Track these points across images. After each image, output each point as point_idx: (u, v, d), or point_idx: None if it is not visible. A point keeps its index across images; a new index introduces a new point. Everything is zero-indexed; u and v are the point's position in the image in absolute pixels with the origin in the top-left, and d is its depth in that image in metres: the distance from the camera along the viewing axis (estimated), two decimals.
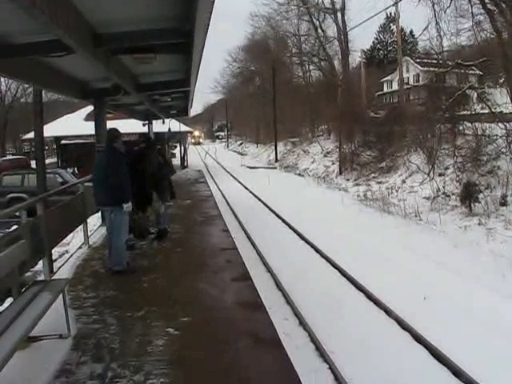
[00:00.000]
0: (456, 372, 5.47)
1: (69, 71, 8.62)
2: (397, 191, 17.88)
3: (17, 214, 6.57)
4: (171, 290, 6.03)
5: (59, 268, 7.24)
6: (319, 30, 38.14)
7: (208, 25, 5.38)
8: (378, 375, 5.47)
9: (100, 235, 9.35)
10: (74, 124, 26.99)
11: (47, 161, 30.61)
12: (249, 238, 12.19)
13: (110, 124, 9.70)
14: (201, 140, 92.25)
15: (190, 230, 9.81)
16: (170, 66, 8.96)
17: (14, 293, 4.76)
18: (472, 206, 13.62)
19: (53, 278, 6.24)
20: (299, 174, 28.85)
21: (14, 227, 9.98)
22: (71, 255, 8.30)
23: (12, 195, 18.49)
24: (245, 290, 6.03)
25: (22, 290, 4.78)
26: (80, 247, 8.63)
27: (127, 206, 6.61)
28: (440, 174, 17.19)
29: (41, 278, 6.68)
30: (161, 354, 4.31)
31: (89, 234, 9.03)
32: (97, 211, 9.97)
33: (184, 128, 31.28)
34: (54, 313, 4.64)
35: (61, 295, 4.73)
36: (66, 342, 4.63)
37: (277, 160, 36.97)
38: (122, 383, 3.84)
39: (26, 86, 46.33)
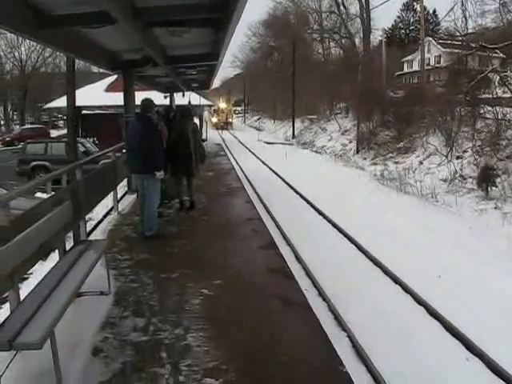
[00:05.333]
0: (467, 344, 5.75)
1: (101, 42, 8.81)
2: (414, 172, 17.98)
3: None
4: (201, 254, 6.35)
5: (90, 232, 7.58)
6: (341, 7, 37.82)
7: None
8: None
9: (128, 202, 9.69)
10: (95, 94, 27.26)
11: (66, 130, 31.14)
12: (267, 209, 12.40)
13: None
14: (230, 119, 57.18)
15: (215, 200, 10.14)
16: (200, 40, 9.08)
17: (59, 251, 5.10)
18: (489, 189, 13.72)
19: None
20: (316, 151, 28.98)
21: (38, 194, 10.45)
22: (99, 221, 8.65)
23: (35, 163, 18.87)
24: (271, 257, 6.36)
25: (67, 249, 5.12)
26: (109, 213, 8.98)
27: (160, 174, 6.90)
28: (458, 157, 17.24)
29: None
30: (198, 311, 4.63)
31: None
32: (123, 179, 10.33)
33: (204, 101, 31.41)
34: (94, 271, 4.96)
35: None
36: (107, 298, 4.97)
37: (294, 136, 37.05)
38: (164, 336, 4.17)
39: (46, 55, 46.80)
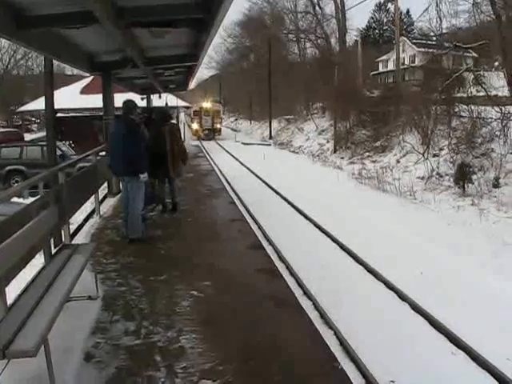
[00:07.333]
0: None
1: (81, 44, 8.69)
2: (391, 170, 18.18)
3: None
4: (188, 256, 6.34)
5: (73, 236, 7.45)
6: (317, 8, 38.05)
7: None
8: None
9: (109, 205, 9.57)
10: (70, 97, 26.81)
11: (40, 134, 30.58)
12: (247, 209, 12.37)
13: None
14: (217, 124, 41.57)
15: (197, 201, 10.12)
16: (180, 40, 9.04)
17: (45, 255, 5.01)
18: (465, 186, 13.94)
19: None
20: (294, 152, 29.13)
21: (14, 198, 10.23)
22: (81, 225, 8.50)
23: (10, 167, 18.51)
24: (257, 256, 6.42)
25: (53, 253, 5.02)
26: (91, 217, 8.85)
27: (144, 177, 6.82)
28: (434, 155, 17.46)
29: None
30: (189, 313, 4.61)
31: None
32: (105, 182, 10.20)
33: (181, 103, 31.20)
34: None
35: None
36: (95, 303, 4.88)
37: (271, 137, 37.08)
38: (157, 338, 4.13)
39: (18, 57, 45.85)
